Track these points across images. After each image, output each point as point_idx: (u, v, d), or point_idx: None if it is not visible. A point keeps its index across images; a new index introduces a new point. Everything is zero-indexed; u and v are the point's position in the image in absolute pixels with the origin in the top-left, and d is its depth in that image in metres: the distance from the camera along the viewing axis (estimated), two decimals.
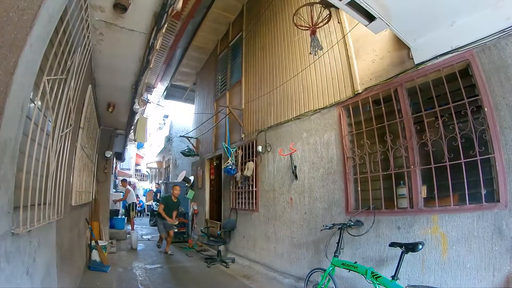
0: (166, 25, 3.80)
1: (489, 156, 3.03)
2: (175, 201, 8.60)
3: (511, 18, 2.89)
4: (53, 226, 2.88)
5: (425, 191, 3.64)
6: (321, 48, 4.79)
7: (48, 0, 1.73)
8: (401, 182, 3.84)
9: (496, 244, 2.84)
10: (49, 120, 2.47)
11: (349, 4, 3.30)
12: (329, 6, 4.24)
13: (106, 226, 8.76)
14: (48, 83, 2.15)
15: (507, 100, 2.94)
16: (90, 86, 4.61)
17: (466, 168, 3.17)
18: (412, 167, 3.70)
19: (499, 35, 3.00)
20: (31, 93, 1.87)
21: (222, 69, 10.11)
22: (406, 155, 3.79)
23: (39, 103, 2.15)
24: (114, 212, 11.42)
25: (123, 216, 12.64)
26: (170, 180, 15.30)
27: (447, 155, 3.33)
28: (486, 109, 3.06)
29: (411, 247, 3.04)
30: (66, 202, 3.30)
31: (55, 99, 2.44)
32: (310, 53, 4.86)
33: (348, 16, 4.72)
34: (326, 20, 4.50)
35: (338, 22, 5.10)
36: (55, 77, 2.30)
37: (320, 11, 4.52)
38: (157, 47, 4.20)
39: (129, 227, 11.78)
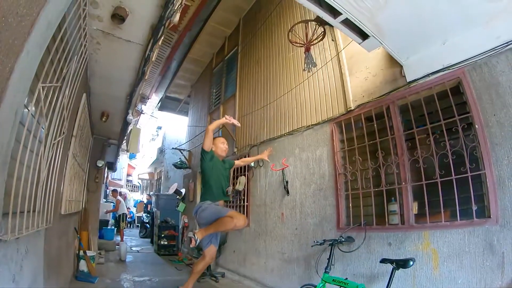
0: (162, 37, 3.84)
1: (480, 172, 3.07)
2: (224, 162, 4.43)
3: (502, 36, 2.97)
4: (42, 234, 2.83)
5: (416, 208, 3.65)
6: (315, 65, 4.86)
7: (47, 7, 1.75)
8: (392, 198, 3.86)
9: (488, 259, 2.85)
10: (42, 127, 2.45)
11: (343, 22, 3.38)
12: (323, 23, 4.33)
13: (95, 236, 8.60)
14: (43, 90, 2.14)
15: (497, 117, 3.00)
16: (84, 94, 4.59)
17: (457, 184, 3.20)
18: (404, 183, 3.72)
19: (490, 53, 3.07)
20: (26, 99, 1.86)
21: (216, 83, 10.15)
22: (398, 171, 3.82)
23: (33, 109, 2.14)
24: (104, 222, 11.26)
25: (113, 227, 12.46)
26: (161, 192, 15.16)
27: (438, 171, 3.37)
28: (477, 126, 3.12)
29: (402, 264, 3.03)
30: (55, 211, 3.25)
31: (49, 106, 2.43)
32: (304, 69, 4.92)
33: (342, 34, 4.80)
34: (321, 37, 4.58)
35: (332, 40, 5.19)
36: (50, 85, 2.30)
37: (315, 29, 4.60)
38: (153, 59, 4.23)
39: (119, 238, 11.59)
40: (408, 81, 3.84)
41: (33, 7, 1.64)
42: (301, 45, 4.79)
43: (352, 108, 4.56)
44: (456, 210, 3.16)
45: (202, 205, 4.06)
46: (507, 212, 2.81)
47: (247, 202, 6.84)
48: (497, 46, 3.01)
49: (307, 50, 4.63)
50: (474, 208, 3.05)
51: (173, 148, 12.69)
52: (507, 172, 2.87)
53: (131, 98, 5.44)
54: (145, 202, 18.74)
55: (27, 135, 1.97)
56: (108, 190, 16.70)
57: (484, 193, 3.04)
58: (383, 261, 3.24)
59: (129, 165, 26.28)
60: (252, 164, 6.66)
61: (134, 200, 23.43)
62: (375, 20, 3.27)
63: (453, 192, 3.19)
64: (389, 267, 3.13)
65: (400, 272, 3.18)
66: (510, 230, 2.76)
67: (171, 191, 11.43)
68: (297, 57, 6.01)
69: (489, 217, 2.92)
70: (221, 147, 4.35)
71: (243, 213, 6.87)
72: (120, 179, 24.13)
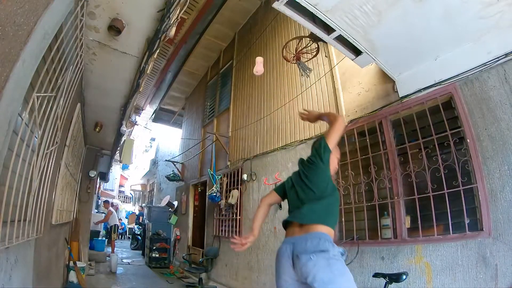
0: (158, 50, 3.86)
1: (471, 186, 3.09)
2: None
3: (492, 52, 3.02)
4: (32, 244, 2.79)
5: (409, 222, 3.65)
6: (311, 70, 4.90)
7: (45, 17, 1.76)
8: (385, 212, 3.85)
9: (481, 272, 2.85)
10: (35, 137, 2.44)
11: (337, 39, 3.42)
12: (317, 40, 4.39)
13: (86, 247, 8.48)
14: (37, 100, 2.14)
15: (488, 131, 3.04)
16: (78, 104, 4.58)
17: (450, 198, 3.21)
18: (396, 198, 3.73)
19: (481, 68, 3.12)
20: (20, 108, 1.86)
21: (211, 96, 10.18)
22: (390, 186, 3.83)
23: (27, 118, 2.14)
24: (95, 233, 11.07)
25: (104, 238, 12.26)
26: (153, 204, 15.00)
27: (430, 186, 3.39)
28: (468, 140, 3.15)
29: (395, 278, 3.02)
30: (46, 220, 3.21)
31: (43, 116, 2.42)
32: (302, 75, 4.96)
33: (335, 50, 4.86)
34: (315, 53, 4.63)
35: (326, 56, 5.26)
36: (44, 94, 2.30)
37: (309, 44, 4.66)
38: (148, 71, 4.24)
39: (109, 249, 11.40)
40: (400, 96, 3.88)
41: (30, 17, 1.65)
42: (293, 56, 4.84)
43: (345, 123, 4.59)
44: (448, 224, 3.16)
45: (340, 256, 2.01)
46: (500, 225, 2.83)
47: (239, 215, 6.78)
48: (488, 61, 3.06)
49: (298, 59, 4.68)
50: (467, 221, 3.05)
51: (166, 160, 12.62)
52: (499, 185, 2.90)
53: (125, 109, 5.43)
54: (137, 213, 18.52)
55: (20, 144, 1.96)
56: (100, 201, 16.49)
57: (476, 206, 3.06)
58: (376, 275, 3.23)
59: (121, 175, 26.01)
60: (245, 177, 6.64)
61: (126, 211, 23.12)
62: (368, 37, 3.32)
63: (445, 206, 3.21)
64: (382, 281, 3.11)
65: (393, 286, 3.16)
66: (502, 243, 2.77)
67: (164, 203, 11.32)
68: (291, 71, 6.07)
69: (482, 230, 2.93)
70: (336, 166, 2.69)
71: (236, 227, 6.82)
72: (112, 190, 23.84)
